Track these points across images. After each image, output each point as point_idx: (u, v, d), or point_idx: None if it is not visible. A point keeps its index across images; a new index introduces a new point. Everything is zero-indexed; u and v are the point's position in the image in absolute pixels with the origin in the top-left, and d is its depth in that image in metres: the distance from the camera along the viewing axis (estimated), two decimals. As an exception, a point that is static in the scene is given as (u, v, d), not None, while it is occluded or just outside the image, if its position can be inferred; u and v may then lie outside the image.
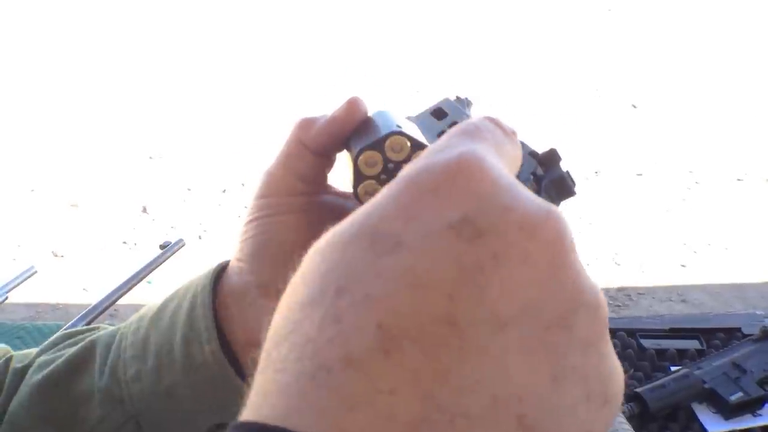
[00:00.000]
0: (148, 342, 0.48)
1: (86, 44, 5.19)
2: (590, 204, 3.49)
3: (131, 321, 0.51)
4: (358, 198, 0.44)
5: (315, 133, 0.46)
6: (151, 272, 1.34)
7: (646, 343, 1.22)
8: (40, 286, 2.49)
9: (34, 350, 0.53)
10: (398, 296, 0.22)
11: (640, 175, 3.87)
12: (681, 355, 1.20)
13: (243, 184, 3.53)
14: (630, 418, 0.98)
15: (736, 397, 1.06)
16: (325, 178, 0.49)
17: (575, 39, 5.76)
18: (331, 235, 0.25)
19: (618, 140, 4.23)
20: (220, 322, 0.47)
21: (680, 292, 2.93)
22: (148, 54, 5.11)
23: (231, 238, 0.50)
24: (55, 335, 0.54)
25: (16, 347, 0.55)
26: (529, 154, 0.43)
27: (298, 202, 0.47)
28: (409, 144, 0.42)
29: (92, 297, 1.25)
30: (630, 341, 1.21)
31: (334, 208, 0.49)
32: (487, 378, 0.22)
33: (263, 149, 3.43)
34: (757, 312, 1.36)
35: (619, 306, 2.82)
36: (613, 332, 1.23)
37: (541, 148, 0.44)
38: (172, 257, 1.39)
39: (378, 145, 0.42)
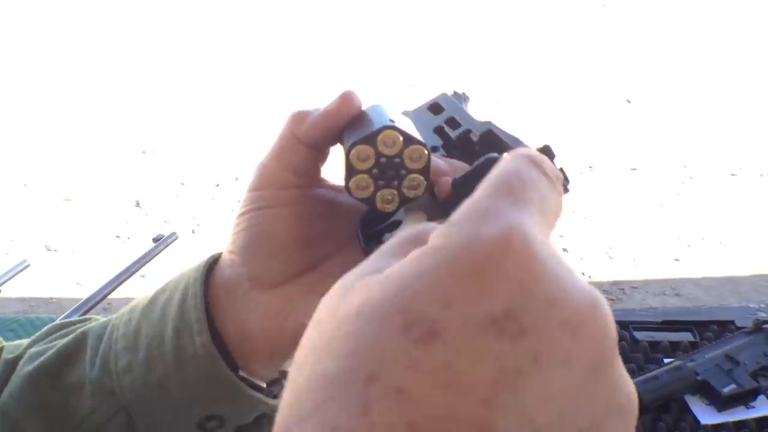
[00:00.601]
0: (139, 333, 0.48)
1: (80, 38, 5.17)
2: (584, 198, 3.50)
3: (123, 312, 0.51)
4: (350, 192, 0.43)
5: (308, 126, 0.45)
6: (144, 266, 1.34)
7: (639, 335, 1.22)
8: (33, 280, 2.48)
9: (25, 341, 0.53)
10: (432, 396, 0.21)
11: (635, 169, 3.87)
12: (674, 348, 1.20)
13: (236, 179, 3.52)
14: (623, 410, 0.99)
15: (729, 389, 1.07)
16: (318, 171, 0.49)
17: (570, 34, 5.76)
18: (360, 301, 0.23)
19: (612, 135, 4.23)
20: (212, 314, 0.47)
21: (674, 286, 2.94)
22: (142, 48, 5.09)
23: (224, 232, 0.50)
24: (47, 326, 0.54)
25: (8, 340, 0.55)
26: None
27: (290, 194, 0.47)
28: (401, 139, 0.42)
29: (85, 291, 1.25)
30: (623, 333, 1.21)
31: (326, 202, 0.49)
32: None
33: (257, 144, 3.42)
34: (750, 305, 1.37)
35: (612, 300, 2.83)
36: (607, 325, 1.23)
37: (534, 144, 0.44)
38: (165, 251, 1.39)
39: (370, 139, 0.42)
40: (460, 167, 0.47)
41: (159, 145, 3.88)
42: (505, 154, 0.28)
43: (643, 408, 1.04)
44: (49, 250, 2.99)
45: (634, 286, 2.93)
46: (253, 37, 5.33)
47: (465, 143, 0.50)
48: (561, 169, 0.41)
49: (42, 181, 3.48)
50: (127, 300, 0.53)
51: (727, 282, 2.98)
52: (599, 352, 0.23)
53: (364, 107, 0.46)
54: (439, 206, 0.44)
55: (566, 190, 0.41)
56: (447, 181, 0.45)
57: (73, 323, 0.54)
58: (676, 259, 3.14)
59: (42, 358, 0.49)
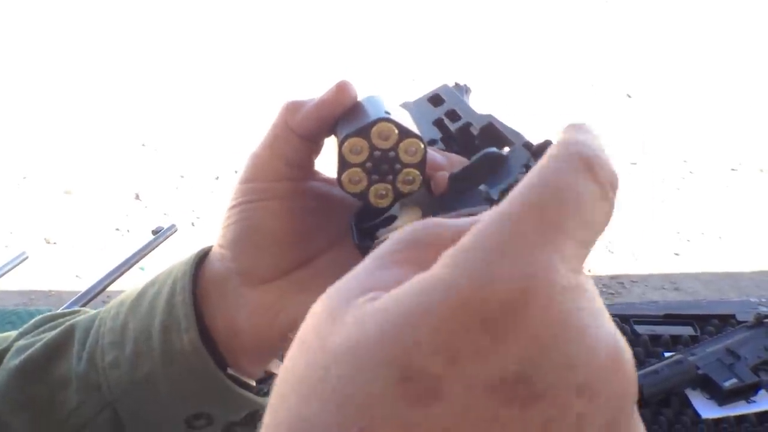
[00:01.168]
0: (126, 328, 0.47)
1: (80, 31, 5.15)
2: (584, 192, 3.48)
3: (111, 306, 0.50)
4: (342, 186, 0.42)
5: (302, 116, 0.44)
6: (143, 258, 1.34)
7: (640, 329, 1.21)
8: (32, 273, 2.48)
9: (13, 333, 0.52)
10: None
11: (635, 164, 3.87)
12: (675, 342, 1.20)
13: (236, 172, 3.50)
14: (624, 404, 0.98)
15: (730, 383, 1.06)
16: (311, 163, 0.47)
17: (570, 28, 5.74)
18: (353, 338, 0.21)
19: (612, 129, 4.23)
20: (200, 310, 0.46)
21: (674, 281, 2.93)
22: (142, 41, 5.08)
23: (222, 226, 0.49)
24: (35, 318, 0.53)
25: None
26: (523, 145, 0.42)
27: (283, 187, 0.46)
28: (396, 132, 0.41)
29: (85, 283, 1.24)
30: (624, 327, 1.21)
31: (320, 195, 0.47)
32: None
33: (256, 137, 3.41)
34: (751, 299, 1.36)
35: (612, 294, 2.83)
36: (607, 318, 1.23)
37: (536, 139, 0.43)
38: (164, 243, 1.38)
39: (364, 131, 0.41)
40: (458, 161, 0.46)
41: (159, 137, 3.87)
42: (550, 150, 0.23)
43: (644, 402, 1.04)
44: (49, 242, 2.99)
45: (634, 280, 2.93)
46: (253, 30, 5.31)
47: (464, 136, 0.49)
48: None
49: (42, 173, 3.48)
50: (127, 293, 0.52)
51: (727, 277, 2.98)
52: (616, 412, 0.21)
53: (360, 98, 0.45)
54: (436, 201, 0.43)
55: None
56: (444, 176, 0.43)
57: (63, 315, 0.53)
58: (676, 254, 3.13)
59: (29, 352, 0.48)
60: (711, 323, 1.24)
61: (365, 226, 0.46)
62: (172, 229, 1.39)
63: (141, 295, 0.48)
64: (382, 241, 0.31)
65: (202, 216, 3.18)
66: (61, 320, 0.51)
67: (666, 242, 3.21)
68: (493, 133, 0.46)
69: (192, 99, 4.30)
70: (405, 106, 0.53)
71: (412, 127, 0.42)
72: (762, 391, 1.08)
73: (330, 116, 0.44)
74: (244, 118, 3.99)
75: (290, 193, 0.46)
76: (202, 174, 3.53)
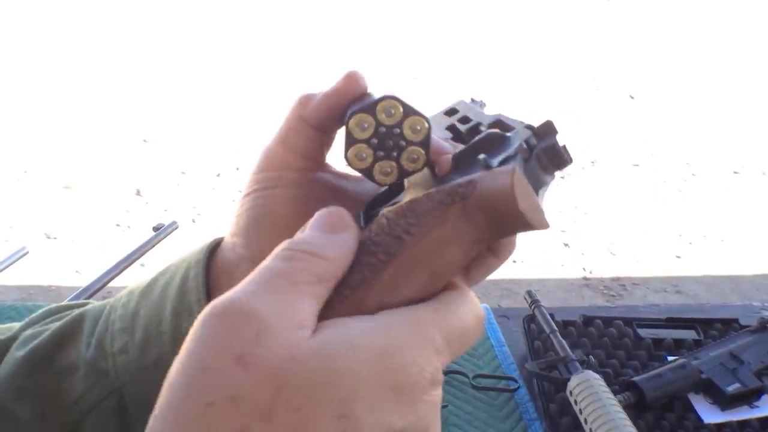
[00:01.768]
0: (137, 315, 0.48)
1: (81, 26, 5.15)
2: (586, 194, 3.49)
3: (121, 295, 0.50)
4: (348, 162, 0.43)
5: (314, 106, 0.45)
6: (144, 254, 1.33)
7: (643, 332, 1.21)
8: (32, 268, 2.47)
9: (16, 324, 0.52)
10: None
11: (637, 165, 3.86)
12: (678, 345, 1.19)
13: (237, 168, 3.51)
14: (626, 408, 0.98)
15: (733, 387, 1.06)
16: (323, 155, 0.48)
17: (573, 29, 5.74)
18: (300, 374, 0.26)
19: (615, 131, 4.22)
20: (212, 297, 0.46)
21: (675, 283, 2.93)
22: (144, 36, 5.07)
23: (225, 222, 0.49)
24: (41, 310, 0.53)
25: (6, 328, 0.54)
26: (526, 126, 0.43)
27: (295, 176, 0.46)
28: (401, 109, 0.42)
29: (85, 279, 1.24)
30: (627, 330, 1.21)
31: (331, 188, 0.48)
32: None
33: (258, 134, 3.40)
34: (755, 303, 1.36)
35: (613, 296, 2.82)
36: (610, 321, 1.22)
37: (537, 121, 0.44)
38: (165, 240, 1.38)
39: (370, 108, 0.42)
40: None
41: (160, 133, 3.87)
42: None
43: (647, 406, 1.03)
44: (49, 237, 2.98)
45: (635, 282, 2.93)
46: (255, 27, 5.31)
47: (474, 134, 0.50)
48: (564, 147, 0.40)
49: (42, 168, 3.47)
50: (127, 289, 0.52)
51: (729, 280, 2.97)
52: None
53: (370, 90, 0.45)
54: (440, 181, 0.43)
55: (567, 163, 0.40)
56: (448, 159, 0.44)
57: (70, 307, 0.53)
58: (678, 256, 3.13)
59: (37, 341, 0.49)
60: (714, 327, 1.23)
61: (372, 213, 0.46)
62: (173, 226, 1.38)
63: (152, 283, 0.49)
64: (381, 217, 0.33)
65: (203, 213, 3.17)
66: (68, 312, 0.52)
67: (668, 244, 3.20)
68: (502, 126, 0.47)
69: (194, 95, 4.29)
70: None
71: (418, 108, 0.43)
72: (765, 396, 1.07)
73: (341, 104, 0.45)
74: (246, 115, 3.99)
75: (301, 182, 0.46)
76: (204, 170, 3.53)
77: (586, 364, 1.07)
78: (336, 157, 0.48)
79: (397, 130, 0.42)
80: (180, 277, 0.47)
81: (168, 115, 4.06)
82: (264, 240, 0.46)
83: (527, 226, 0.31)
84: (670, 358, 1.12)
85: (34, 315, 0.53)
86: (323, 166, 0.48)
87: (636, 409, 1.03)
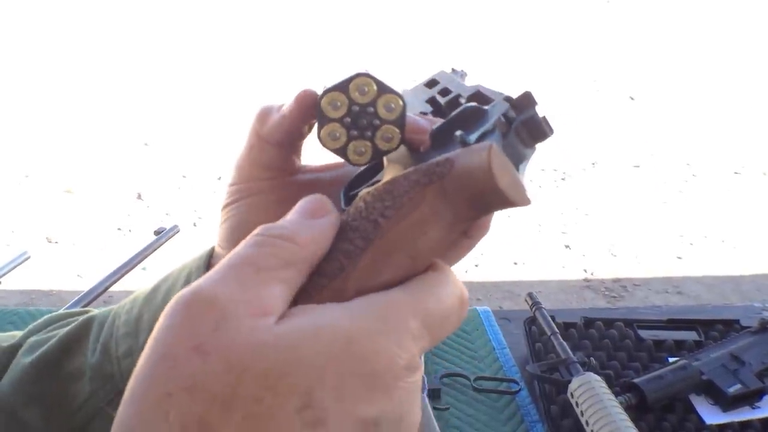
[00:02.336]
0: (140, 320, 0.49)
1: (82, 30, 5.16)
2: (587, 195, 3.49)
3: (125, 302, 0.52)
4: (321, 142, 0.42)
5: (269, 128, 0.46)
6: (145, 258, 1.33)
7: (644, 333, 1.21)
8: (34, 272, 2.48)
9: (18, 333, 0.53)
10: None
11: (638, 166, 3.86)
12: (679, 347, 1.19)
13: (239, 172, 3.51)
14: (627, 409, 0.98)
15: (734, 389, 1.06)
16: (292, 162, 0.48)
17: (574, 30, 5.74)
18: (259, 363, 0.25)
19: (615, 132, 4.22)
20: None
21: (676, 284, 2.93)
22: (144, 39, 5.08)
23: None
24: (45, 317, 0.54)
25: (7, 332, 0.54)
26: (504, 99, 0.42)
27: (263, 185, 0.48)
28: (375, 87, 0.41)
29: (86, 283, 1.24)
30: (628, 332, 1.21)
31: (306, 185, 0.49)
32: None
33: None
34: (755, 304, 1.36)
35: (614, 297, 2.82)
36: (611, 322, 1.22)
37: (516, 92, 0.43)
38: (166, 244, 1.38)
39: (343, 86, 0.41)
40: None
41: (161, 137, 3.87)
42: None
43: (648, 407, 1.03)
44: (50, 242, 2.98)
45: (636, 283, 2.92)
46: (254, 29, 5.31)
47: (454, 107, 0.49)
48: (543, 118, 0.39)
49: (43, 172, 3.47)
50: (128, 293, 0.54)
51: (730, 280, 2.97)
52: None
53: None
54: (415, 159, 0.42)
55: (546, 135, 0.39)
56: (425, 139, 0.43)
57: (73, 314, 0.54)
58: (679, 257, 3.13)
59: (44, 348, 0.50)
60: (715, 328, 1.23)
61: (352, 193, 0.46)
62: (174, 230, 1.38)
63: (155, 289, 0.50)
64: (359, 199, 0.31)
65: (204, 216, 3.18)
66: (72, 319, 0.53)
67: (669, 245, 3.20)
68: (480, 98, 0.46)
69: (195, 99, 4.29)
70: (403, 93, 0.53)
71: (393, 86, 0.42)
72: (766, 397, 1.07)
73: (296, 126, 0.45)
74: (247, 119, 3.98)
75: (274, 187, 0.47)
76: (205, 174, 3.53)
77: (587, 366, 1.07)
78: (311, 138, 0.47)
79: (371, 109, 0.41)
80: (181, 284, 0.49)
81: (169, 118, 4.06)
82: None
83: (508, 203, 0.29)
84: (671, 360, 1.12)
85: (37, 322, 0.54)
86: (296, 170, 0.49)
87: (637, 410, 1.03)
